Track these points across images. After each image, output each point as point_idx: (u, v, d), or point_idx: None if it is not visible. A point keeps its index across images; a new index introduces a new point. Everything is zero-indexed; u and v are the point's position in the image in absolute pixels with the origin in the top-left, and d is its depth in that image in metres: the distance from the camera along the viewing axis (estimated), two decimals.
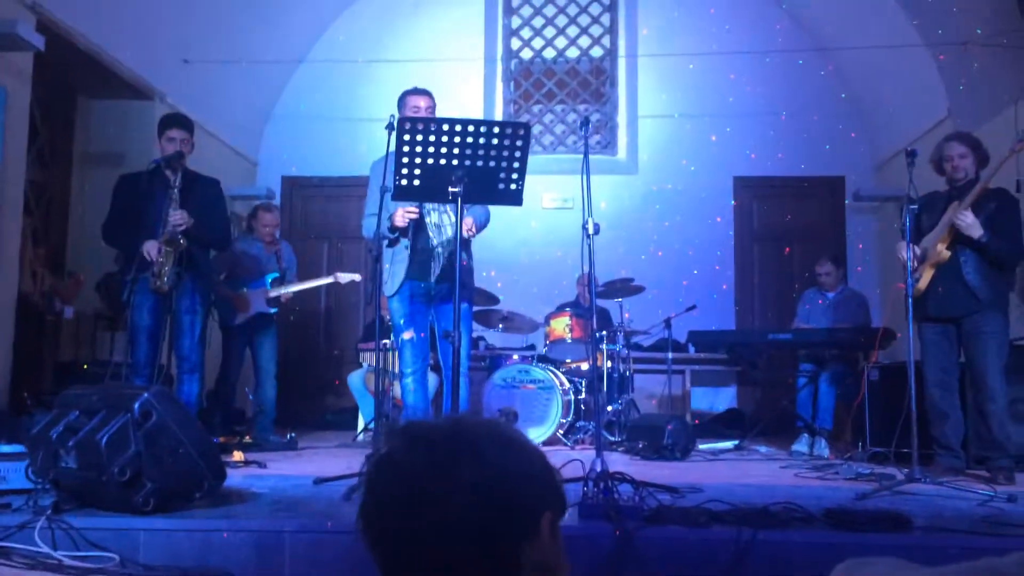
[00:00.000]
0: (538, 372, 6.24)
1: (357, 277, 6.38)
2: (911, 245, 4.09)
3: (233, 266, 6.10)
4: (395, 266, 4.34)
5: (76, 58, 6.16)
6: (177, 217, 4.58)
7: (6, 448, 3.30)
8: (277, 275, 6.17)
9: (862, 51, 7.59)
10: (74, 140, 7.15)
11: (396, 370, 6.51)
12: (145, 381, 4.56)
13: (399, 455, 0.98)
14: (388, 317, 6.40)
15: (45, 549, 2.61)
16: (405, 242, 4.30)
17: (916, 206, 4.01)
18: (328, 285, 6.60)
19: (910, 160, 4.00)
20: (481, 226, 4.45)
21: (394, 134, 3.55)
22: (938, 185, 4.63)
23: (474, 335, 6.26)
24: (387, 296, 4.42)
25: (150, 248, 4.54)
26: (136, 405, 2.84)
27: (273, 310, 6.10)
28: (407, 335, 4.36)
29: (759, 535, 2.58)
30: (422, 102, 4.35)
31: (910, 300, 3.95)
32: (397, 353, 4.58)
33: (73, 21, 5.88)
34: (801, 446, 5.93)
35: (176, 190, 4.64)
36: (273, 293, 6.06)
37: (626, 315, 6.63)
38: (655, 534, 2.65)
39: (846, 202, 8.55)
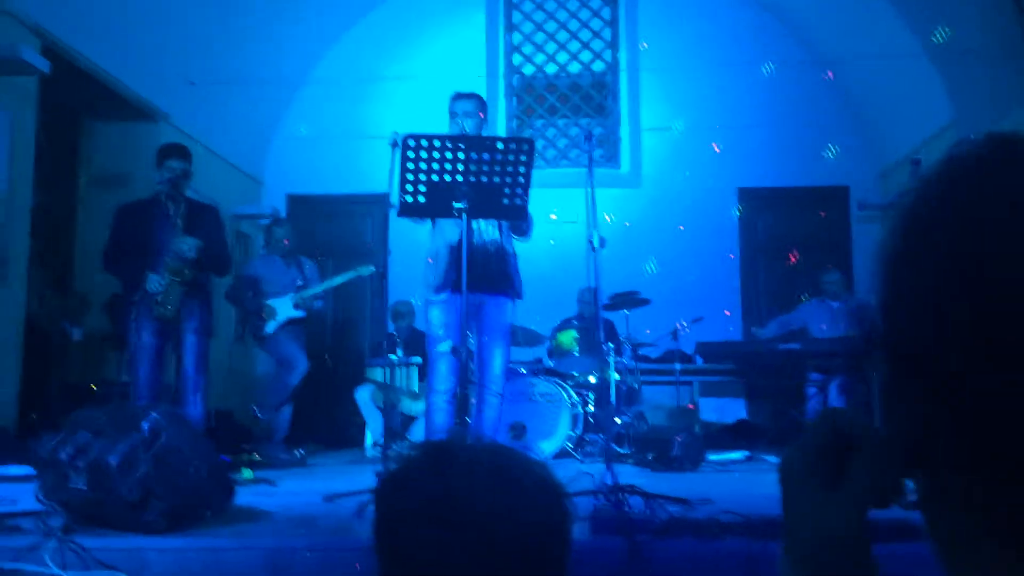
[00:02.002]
0: (546, 386, 6.23)
1: (374, 268, 6.52)
2: None
3: (256, 283, 6.24)
4: (437, 265, 4.12)
5: (80, 81, 6.20)
6: (186, 246, 4.62)
7: (15, 470, 3.30)
8: (301, 283, 6.31)
9: (864, 60, 7.60)
10: (79, 162, 7.19)
11: (404, 386, 6.53)
12: (146, 402, 4.58)
13: (416, 473, 0.95)
14: (395, 328, 6.36)
15: (56, 570, 2.61)
16: (448, 239, 4.09)
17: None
18: (334, 299, 6.64)
19: (914, 168, 4.01)
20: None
21: (398, 151, 3.56)
22: None
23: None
24: (429, 301, 4.16)
25: (152, 285, 4.60)
26: (145, 425, 2.85)
27: (302, 313, 6.22)
28: (443, 348, 4.08)
29: (771, 546, 2.56)
30: (459, 107, 4.18)
31: None
32: (428, 368, 4.24)
33: (77, 44, 5.92)
34: None
35: (180, 218, 4.69)
36: (299, 298, 6.19)
37: (620, 330, 6.62)
38: (667, 546, 2.64)
39: (851, 211, 8.55)
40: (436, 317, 4.13)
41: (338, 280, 6.61)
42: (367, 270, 6.41)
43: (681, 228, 8.43)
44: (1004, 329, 0.46)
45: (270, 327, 6.16)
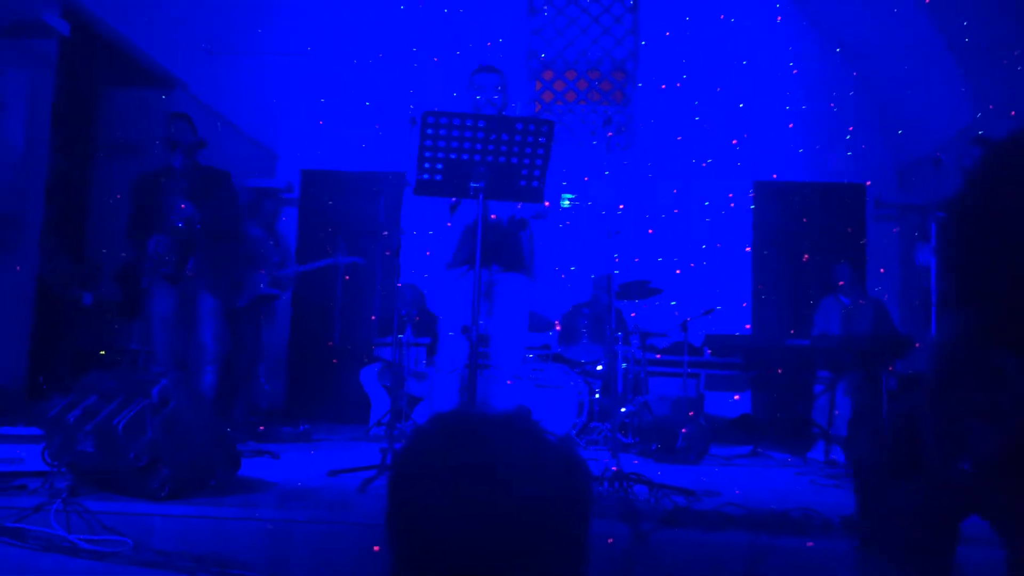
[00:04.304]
0: (552, 371, 6.22)
1: (359, 260, 6.48)
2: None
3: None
4: (456, 244, 3.98)
5: (99, 46, 6.18)
6: (179, 209, 4.63)
7: (23, 430, 3.31)
8: (277, 260, 6.27)
9: (888, 57, 7.53)
10: (96, 128, 7.18)
11: (410, 366, 6.52)
12: (165, 370, 4.58)
13: (436, 445, 0.92)
14: (408, 308, 6.36)
15: (60, 531, 2.62)
16: (467, 216, 3.93)
17: (942, 213, 3.98)
18: (342, 278, 6.64)
19: (936, 168, 3.97)
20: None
21: (417, 129, 3.52)
22: None
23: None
24: (441, 275, 4.02)
25: (152, 243, 4.62)
26: (154, 391, 2.85)
27: (275, 291, 6.19)
28: (453, 327, 3.94)
29: (777, 541, 2.55)
30: (486, 81, 4.00)
31: (933, 309, 3.91)
32: (439, 346, 4.08)
33: (97, 8, 5.90)
34: (817, 454, 5.88)
35: (179, 182, 4.69)
36: (273, 277, 6.15)
37: (632, 314, 6.62)
38: (671, 536, 2.63)
39: (867, 209, 8.50)
40: (448, 295, 4.00)
41: (316, 264, 6.57)
42: (346, 259, 6.39)
43: (737, 224, 8.42)
44: None
45: (242, 300, 6.06)
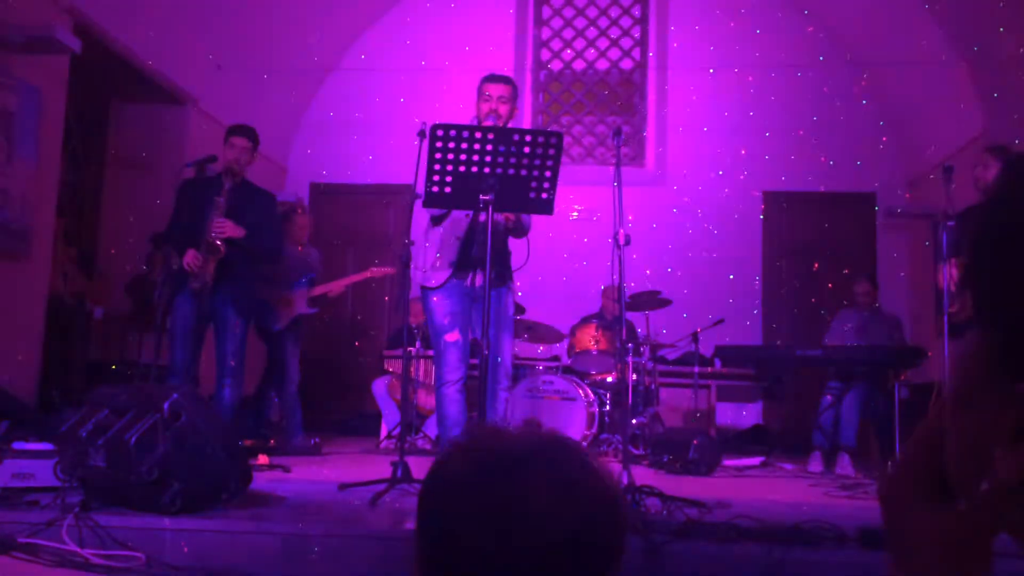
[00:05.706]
0: (562, 383, 6.20)
1: (390, 270, 6.53)
2: (951, 262, 4.04)
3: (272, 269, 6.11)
4: (442, 254, 3.94)
5: (111, 62, 6.23)
6: (218, 225, 4.61)
7: (35, 445, 3.32)
8: (313, 276, 6.19)
9: (897, 66, 7.52)
10: (107, 143, 7.23)
11: (421, 379, 6.53)
12: (180, 383, 4.56)
13: (469, 467, 0.92)
14: (419, 321, 6.34)
15: (72, 547, 2.62)
16: (456, 225, 3.91)
17: (952, 222, 3.96)
18: (353, 291, 6.64)
19: (947, 177, 3.95)
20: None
21: (425, 141, 3.52)
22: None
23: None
24: (429, 289, 3.98)
25: (188, 258, 4.60)
26: (166, 405, 2.85)
27: (314, 310, 6.14)
28: (451, 337, 3.91)
29: (790, 553, 2.54)
30: (493, 90, 3.96)
31: (946, 320, 3.90)
32: (436, 359, 4.03)
33: (109, 25, 5.95)
34: (816, 465, 5.78)
35: (222, 198, 4.67)
36: (317, 292, 6.11)
37: (639, 330, 6.59)
38: (683, 549, 2.61)
39: (877, 218, 8.47)
40: (440, 305, 3.95)
41: (354, 279, 6.57)
42: (380, 272, 6.43)
43: (747, 234, 8.40)
44: None
45: (281, 323, 5.96)
